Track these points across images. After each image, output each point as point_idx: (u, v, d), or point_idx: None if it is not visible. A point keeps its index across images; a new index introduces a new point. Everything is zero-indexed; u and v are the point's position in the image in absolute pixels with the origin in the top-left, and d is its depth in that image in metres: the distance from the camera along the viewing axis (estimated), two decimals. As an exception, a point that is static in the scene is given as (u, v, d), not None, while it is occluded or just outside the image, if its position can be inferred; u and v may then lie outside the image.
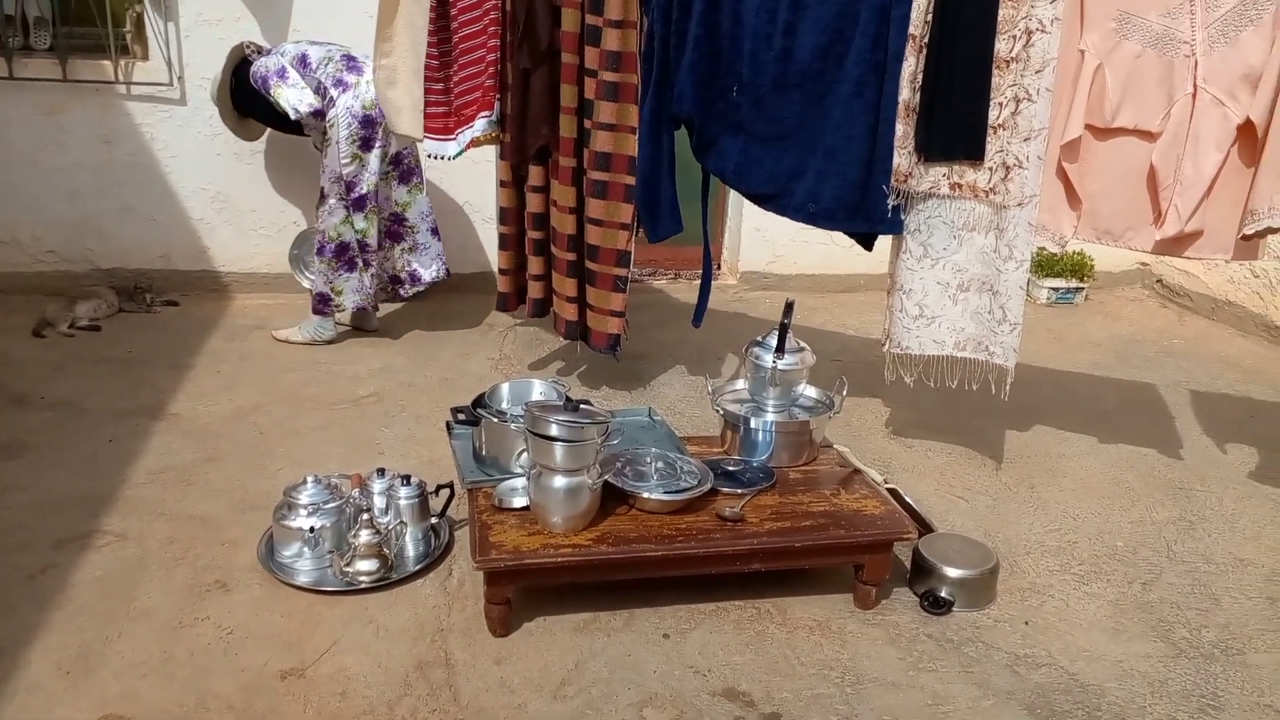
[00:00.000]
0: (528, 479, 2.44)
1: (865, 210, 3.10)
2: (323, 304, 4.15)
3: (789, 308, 2.89)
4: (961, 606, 2.54)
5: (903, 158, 2.99)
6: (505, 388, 2.95)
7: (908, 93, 2.94)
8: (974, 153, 2.92)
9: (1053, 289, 5.37)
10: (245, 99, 4.17)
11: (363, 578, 2.51)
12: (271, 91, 3.95)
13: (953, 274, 3.05)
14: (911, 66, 2.92)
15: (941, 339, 3.10)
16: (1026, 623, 2.51)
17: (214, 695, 2.12)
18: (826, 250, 4.98)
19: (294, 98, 3.92)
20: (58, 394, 3.61)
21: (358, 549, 2.52)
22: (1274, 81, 2.69)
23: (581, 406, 2.53)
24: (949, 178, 2.97)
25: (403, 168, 4.18)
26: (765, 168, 3.20)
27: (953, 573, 2.54)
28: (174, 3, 4.47)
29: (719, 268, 5.55)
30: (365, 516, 2.56)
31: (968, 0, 2.83)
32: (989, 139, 2.90)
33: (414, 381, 3.89)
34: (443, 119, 3.60)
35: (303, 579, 2.52)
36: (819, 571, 2.63)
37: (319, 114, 3.96)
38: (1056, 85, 2.83)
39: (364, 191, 4.02)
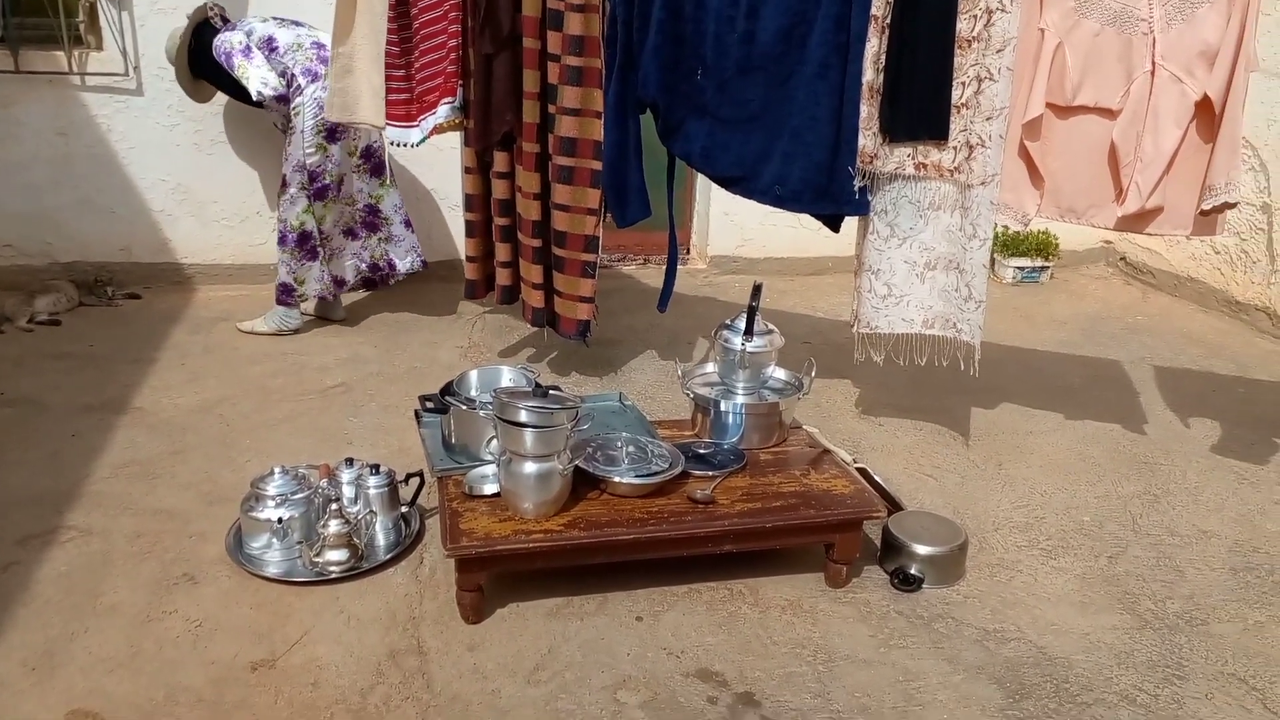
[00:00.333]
0: (498, 466, 2.43)
1: (832, 192, 3.11)
2: (286, 294, 4.11)
3: (757, 290, 2.90)
4: (931, 583, 2.56)
5: (868, 139, 2.99)
6: (474, 375, 2.93)
7: (871, 74, 2.94)
8: (938, 133, 2.93)
9: (1018, 268, 5.42)
10: (203, 62, 4.08)
11: (333, 568, 2.49)
12: (235, 69, 3.87)
13: (920, 253, 3.06)
14: (874, 47, 2.92)
15: (910, 317, 3.12)
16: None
17: (183, 688, 2.10)
18: (795, 233, 4.99)
19: (258, 79, 3.85)
20: (18, 390, 3.55)
21: (327, 539, 2.50)
22: (1230, 58, 2.72)
23: (551, 392, 2.52)
24: (914, 158, 2.98)
25: (373, 161, 4.14)
26: (731, 151, 3.20)
27: (922, 550, 2.57)
28: (128, -10, 4.39)
29: (688, 252, 5.55)
30: (334, 506, 2.54)
31: (929, -21, 2.84)
32: (952, 119, 2.91)
33: (382, 371, 3.86)
34: (405, 106, 3.56)
35: (272, 570, 2.50)
36: (790, 551, 2.64)
37: (282, 99, 3.90)
38: (1017, 64, 2.85)
39: (326, 182, 3.99)
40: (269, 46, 3.90)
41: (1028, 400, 3.77)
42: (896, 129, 2.96)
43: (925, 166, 2.99)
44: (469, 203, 3.83)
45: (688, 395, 2.92)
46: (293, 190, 3.98)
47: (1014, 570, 2.68)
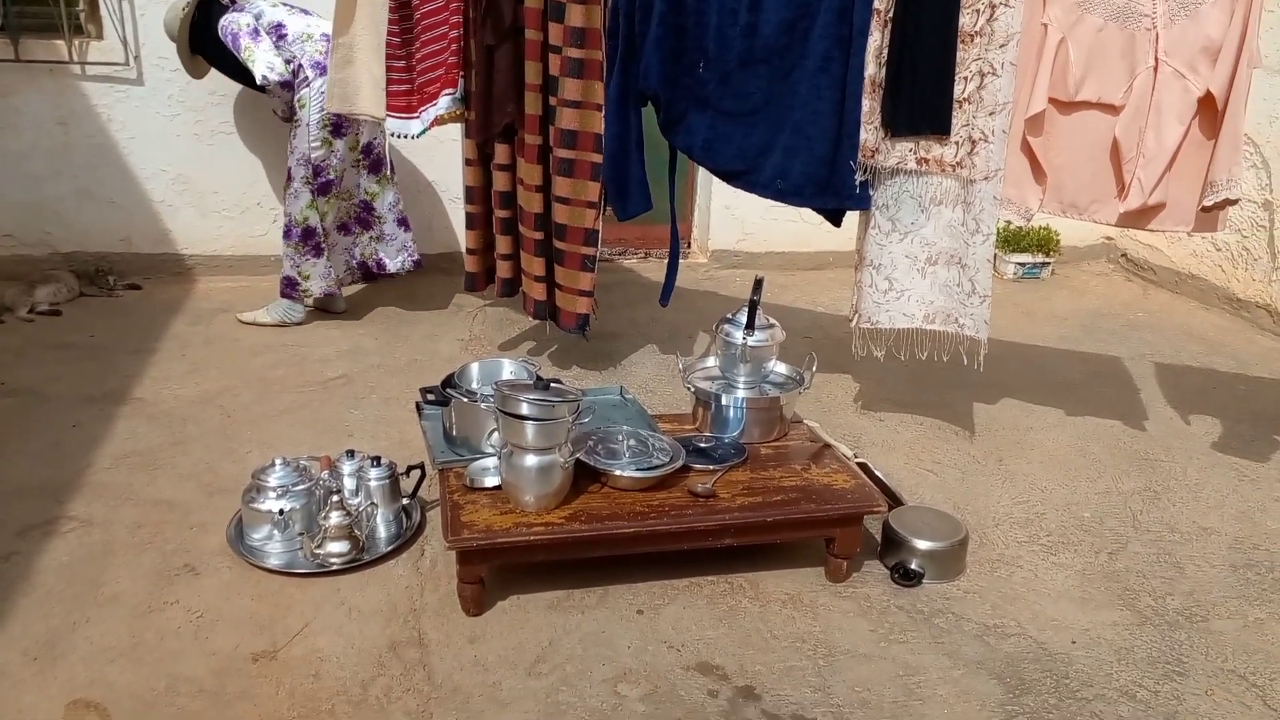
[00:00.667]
0: (499, 458, 2.43)
1: (833, 186, 3.10)
2: (290, 288, 4.11)
3: (758, 284, 2.90)
4: (931, 578, 2.56)
5: (869, 133, 2.99)
6: (475, 367, 2.93)
7: (873, 68, 2.94)
8: (940, 127, 2.93)
9: (1019, 264, 5.42)
10: (205, 40, 4.02)
11: (334, 559, 2.49)
12: (241, 51, 3.82)
13: (921, 248, 3.06)
14: (877, 41, 2.92)
15: (911, 312, 3.12)
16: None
17: (185, 679, 2.10)
18: (796, 228, 4.99)
19: (264, 63, 3.79)
20: (18, 380, 3.54)
21: (328, 531, 2.50)
22: (1233, 54, 2.72)
23: (552, 385, 2.52)
24: (915, 152, 2.98)
25: (372, 157, 4.14)
26: (733, 144, 3.20)
27: (922, 545, 2.57)
28: (129, -20, 4.38)
29: (688, 246, 5.54)
30: (335, 498, 2.54)
31: (933, -26, 2.83)
32: (954, 113, 2.91)
33: (383, 363, 3.86)
34: (405, 97, 3.56)
35: (273, 561, 2.50)
36: (791, 546, 2.64)
37: (287, 85, 3.88)
38: (1020, 59, 2.84)
39: (330, 177, 3.99)
40: (278, 33, 3.87)
41: (1028, 396, 3.77)
42: (898, 123, 2.96)
43: (927, 161, 2.98)
44: (470, 195, 3.82)
45: (689, 389, 2.92)
46: (296, 184, 3.97)
47: (1014, 566, 2.68)
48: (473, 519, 2.35)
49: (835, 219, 3.30)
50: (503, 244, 3.71)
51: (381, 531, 2.62)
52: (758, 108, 3.15)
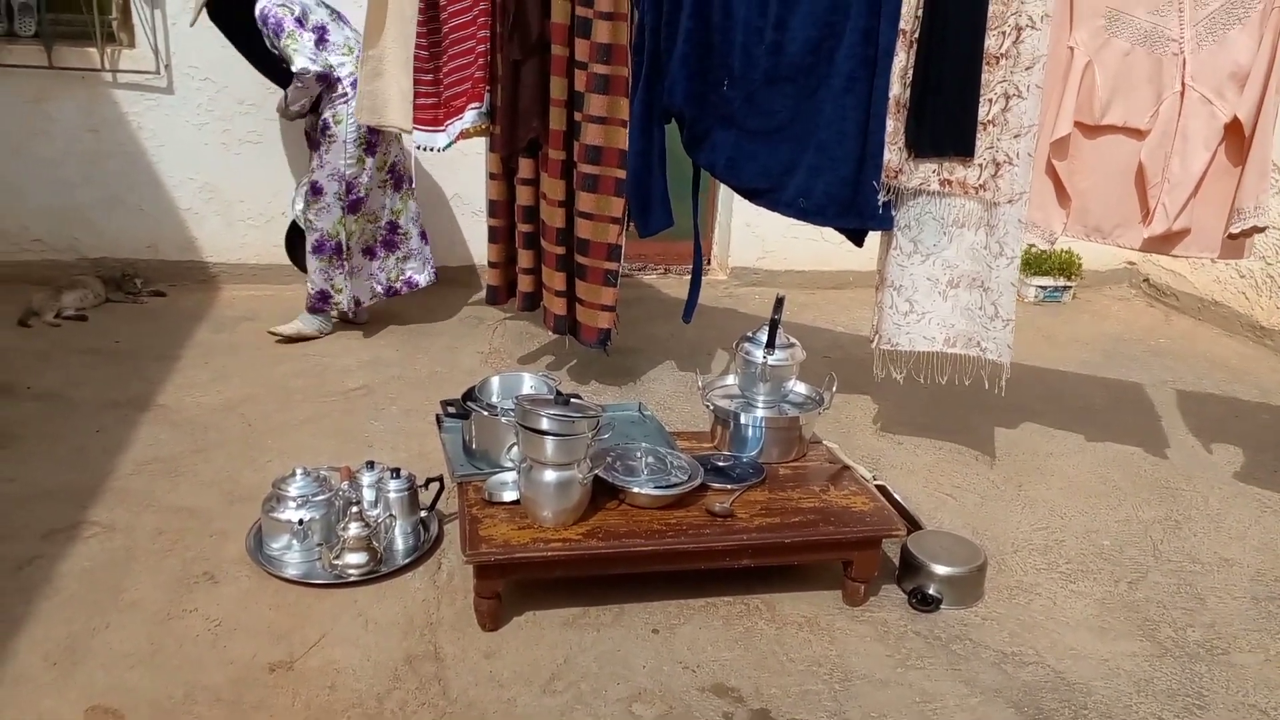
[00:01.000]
0: (518, 473, 2.43)
1: (856, 206, 3.10)
2: (323, 301, 4.11)
3: (779, 303, 2.90)
4: (949, 604, 2.55)
5: (893, 153, 2.99)
6: (495, 381, 2.95)
7: (898, 88, 2.94)
8: (964, 149, 2.92)
9: (1040, 287, 5.40)
10: (233, 13, 3.96)
11: (352, 570, 2.50)
12: (284, 38, 3.77)
13: (943, 270, 3.05)
14: (902, 62, 2.92)
15: (931, 335, 3.11)
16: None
17: (202, 687, 2.12)
18: (817, 246, 4.99)
19: (306, 55, 3.78)
20: (44, 384, 3.58)
21: (347, 542, 2.51)
22: (1261, 80, 2.71)
23: (572, 400, 2.52)
24: (939, 174, 2.98)
25: (396, 174, 4.16)
26: (757, 162, 3.20)
27: (941, 570, 2.55)
28: (161, -11, 4.44)
29: (709, 263, 5.55)
30: (354, 509, 2.55)
31: (958, -4, 2.83)
32: (979, 135, 2.91)
33: (403, 374, 3.88)
34: (432, 110, 3.59)
35: (291, 571, 2.52)
36: (808, 568, 2.64)
37: (324, 78, 3.83)
38: (1046, 82, 2.84)
39: (360, 195, 4.02)
40: (320, 35, 3.87)
41: (1049, 421, 3.75)
42: (922, 144, 2.96)
43: (950, 183, 2.98)
44: (493, 208, 3.85)
45: (707, 407, 2.92)
46: (328, 198, 3.97)
47: (1033, 593, 2.66)
48: (491, 533, 2.35)
49: (857, 239, 3.30)
50: (525, 258, 3.73)
51: (399, 543, 2.63)
52: (782, 126, 3.15)
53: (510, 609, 2.41)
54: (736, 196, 3.51)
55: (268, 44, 3.88)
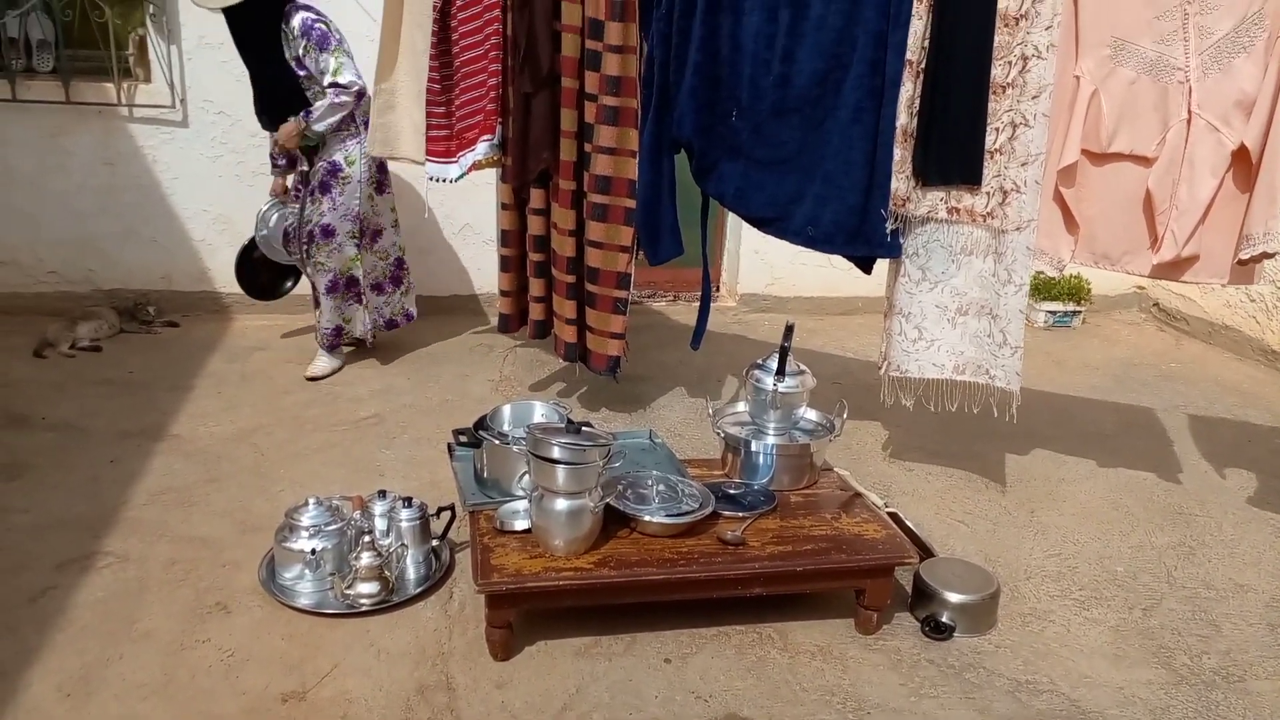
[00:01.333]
0: (529, 501, 2.44)
1: (864, 234, 3.12)
2: (337, 336, 4.15)
3: (789, 331, 2.90)
4: (963, 632, 2.54)
5: (901, 182, 3.01)
6: (507, 409, 2.96)
7: (905, 118, 2.97)
8: (971, 177, 2.94)
9: (1050, 312, 5.40)
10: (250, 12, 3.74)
11: (364, 600, 2.50)
12: (331, 50, 3.74)
13: (951, 297, 3.06)
14: (909, 92, 2.95)
15: (940, 362, 3.11)
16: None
17: (215, 718, 2.12)
18: (825, 273, 5.01)
19: (353, 69, 3.76)
20: (59, 415, 3.61)
21: (359, 571, 2.52)
22: (1267, 108, 2.72)
23: (584, 429, 2.53)
24: (946, 202, 2.99)
25: (396, 212, 4.24)
26: (765, 191, 3.23)
27: (954, 598, 2.54)
28: (177, 26, 4.51)
29: (717, 290, 5.57)
30: (366, 539, 2.56)
31: (964, 27, 2.86)
32: (986, 164, 2.92)
33: (414, 403, 3.90)
34: (444, 142, 3.63)
35: (304, 601, 2.52)
36: (820, 596, 2.63)
37: (361, 95, 3.79)
38: (1053, 110, 2.86)
39: (374, 230, 4.09)
40: (351, 56, 3.88)
41: (1060, 446, 3.74)
42: (929, 173, 2.98)
43: (958, 211, 2.99)
44: (505, 238, 3.88)
45: (718, 434, 2.92)
46: (340, 239, 4.00)
47: (1046, 620, 2.65)
48: (502, 562, 2.36)
49: (865, 266, 3.31)
50: (536, 286, 3.76)
51: (411, 573, 2.64)
52: (790, 156, 3.18)
53: (522, 638, 2.41)
54: (745, 223, 3.53)
55: (295, 58, 3.75)
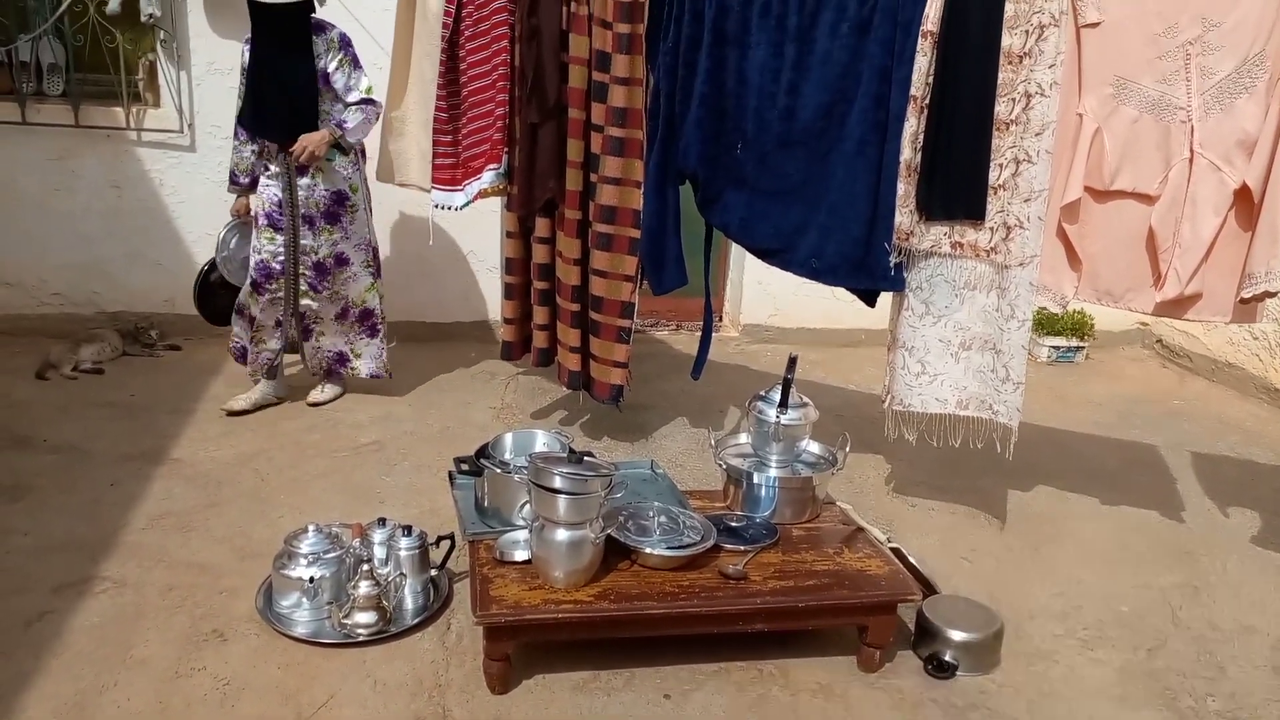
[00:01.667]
0: (530, 531, 2.43)
1: (868, 267, 3.13)
2: (342, 364, 4.10)
3: (792, 363, 2.90)
4: (966, 670, 2.51)
5: (904, 216, 3.02)
6: (509, 438, 2.95)
7: (909, 152, 2.98)
8: (974, 212, 2.95)
9: (1053, 347, 5.40)
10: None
11: (361, 630, 2.48)
12: (361, 65, 3.71)
13: (954, 332, 3.06)
14: (913, 127, 2.96)
15: (944, 397, 3.11)
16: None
17: (209, 749, 2.10)
18: (827, 304, 5.01)
19: (370, 87, 3.70)
20: (61, 437, 3.60)
21: (357, 600, 2.50)
22: (1269, 148, 2.73)
23: (585, 458, 2.52)
24: (950, 236, 3.00)
25: None
26: (769, 223, 3.24)
27: (957, 636, 2.52)
28: (187, 52, 4.55)
29: (720, 320, 5.57)
30: (365, 567, 2.54)
31: (968, 64, 2.88)
32: (990, 199, 2.93)
33: (415, 429, 3.89)
34: (450, 170, 3.65)
35: (300, 630, 2.50)
36: (822, 632, 2.61)
37: (377, 109, 3.74)
38: (1056, 148, 2.87)
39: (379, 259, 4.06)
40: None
41: (1064, 483, 3.72)
42: (933, 207, 2.99)
43: (962, 246, 3.00)
44: (509, 266, 3.88)
45: (720, 466, 2.91)
46: (355, 268, 3.90)
47: (1051, 660, 2.62)
48: (502, 594, 2.34)
49: (869, 299, 3.31)
50: (540, 314, 3.76)
51: (409, 603, 2.62)
52: (794, 188, 3.19)
53: (520, 671, 2.39)
54: (748, 254, 3.54)
55: (324, 69, 3.66)
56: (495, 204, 4.52)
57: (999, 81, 2.87)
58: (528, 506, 2.54)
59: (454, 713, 2.26)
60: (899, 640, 2.58)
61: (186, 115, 4.62)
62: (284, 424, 3.85)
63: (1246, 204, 2.81)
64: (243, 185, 3.92)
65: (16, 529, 2.93)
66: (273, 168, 3.77)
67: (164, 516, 3.07)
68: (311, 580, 2.54)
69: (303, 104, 3.70)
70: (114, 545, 2.87)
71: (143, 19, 4.39)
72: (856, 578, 2.51)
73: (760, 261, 3.38)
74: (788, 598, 2.42)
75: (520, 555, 2.47)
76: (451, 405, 4.18)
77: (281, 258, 3.82)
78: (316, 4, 3.74)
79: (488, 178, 3.56)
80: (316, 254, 3.85)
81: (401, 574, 2.61)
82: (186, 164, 4.69)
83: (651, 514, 2.62)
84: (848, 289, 3.30)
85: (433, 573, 2.70)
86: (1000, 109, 2.90)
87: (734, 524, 2.70)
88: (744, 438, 3.03)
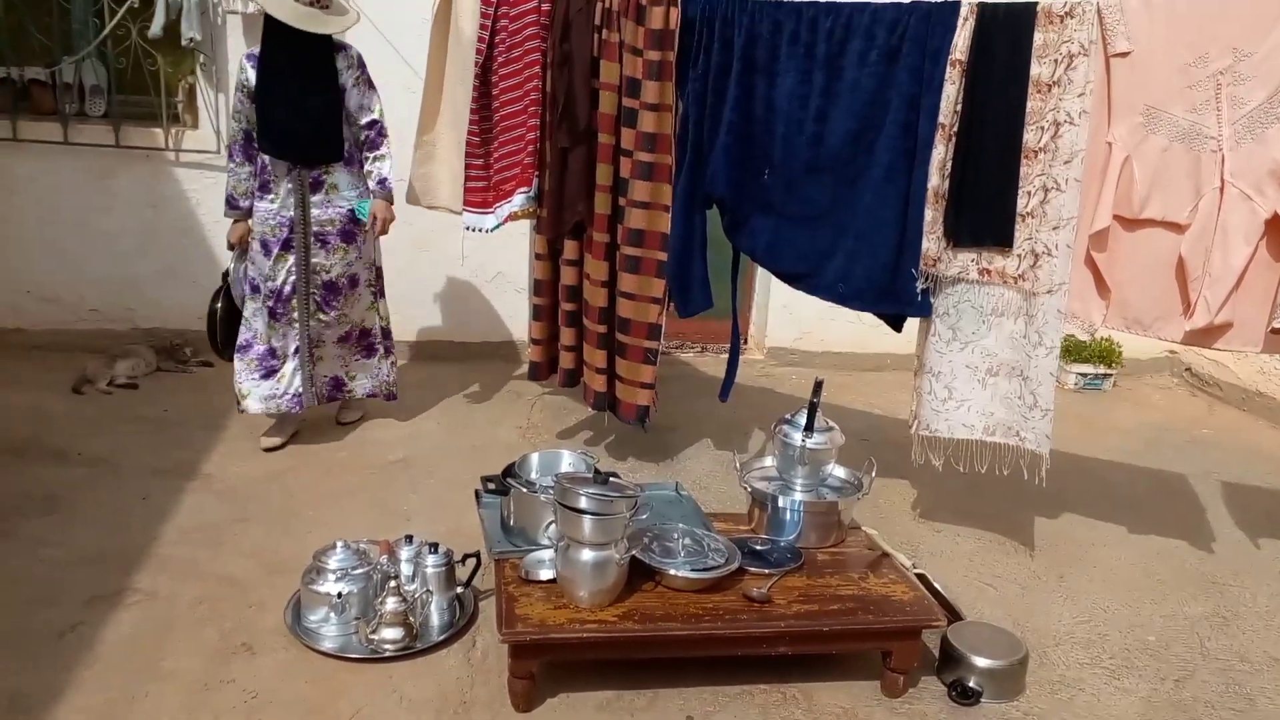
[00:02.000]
0: (555, 551, 2.44)
1: (894, 292, 3.14)
2: (337, 389, 4.09)
3: (818, 387, 2.91)
4: (990, 697, 2.49)
5: (931, 242, 3.03)
6: (535, 458, 2.97)
7: (937, 179, 2.99)
8: (1002, 240, 2.96)
9: (1081, 374, 5.36)
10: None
11: (387, 646, 2.51)
12: (373, 90, 3.70)
13: (982, 358, 3.06)
14: (941, 154, 2.98)
15: (971, 423, 3.10)
16: None
17: (236, 761, 2.12)
18: (853, 329, 5.01)
19: (381, 109, 3.70)
20: (94, 450, 3.67)
21: (384, 616, 2.52)
22: (1302, 178, 2.72)
23: (611, 479, 2.54)
24: (978, 263, 3.01)
25: None
26: (796, 247, 3.26)
27: (982, 663, 2.51)
28: (225, 75, 4.64)
29: (745, 342, 5.59)
30: (392, 584, 2.57)
31: (997, 92, 2.90)
32: (1018, 227, 2.94)
33: (443, 447, 3.92)
34: (482, 193, 3.70)
35: (328, 645, 2.53)
36: (846, 656, 2.60)
37: (381, 132, 3.73)
38: (1085, 176, 2.88)
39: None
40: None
41: (1090, 511, 3.70)
42: (960, 234, 3.00)
43: (989, 272, 3.01)
44: (538, 288, 3.92)
45: (745, 489, 2.92)
46: (360, 289, 3.88)
47: (1076, 689, 2.60)
48: (527, 612, 2.35)
49: (895, 324, 3.32)
50: (567, 335, 3.79)
51: (435, 619, 2.64)
52: (821, 213, 3.21)
53: (544, 689, 2.40)
54: (774, 278, 3.56)
55: (342, 85, 3.64)
56: (524, 226, 4.58)
57: (1028, 110, 2.89)
58: (553, 526, 2.55)
59: (478, 730, 2.27)
60: (923, 666, 2.57)
61: (224, 137, 4.70)
62: (313, 441, 3.90)
63: (1278, 233, 2.79)
64: (243, 210, 3.79)
65: (50, 540, 2.98)
66: (283, 187, 3.68)
67: (194, 530, 3.11)
68: (339, 596, 2.56)
69: (329, 126, 3.65)
70: (145, 558, 2.92)
71: (183, 43, 4.48)
72: (881, 602, 2.50)
73: (786, 285, 3.40)
74: (812, 621, 2.42)
75: (545, 574, 2.49)
76: (478, 424, 4.21)
77: (294, 279, 3.75)
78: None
79: (518, 200, 3.60)
80: (329, 273, 3.77)
81: (428, 591, 2.63)
82: (222, 184, 4.71)
83: (676, 536, 2.63)
84: (874, 314, 3.31)
85: (459, 590, 2.73)
86: (1029, 137, 2.91)
87: (759, 547, 2.71)
88: (769, 461, 3.04)
